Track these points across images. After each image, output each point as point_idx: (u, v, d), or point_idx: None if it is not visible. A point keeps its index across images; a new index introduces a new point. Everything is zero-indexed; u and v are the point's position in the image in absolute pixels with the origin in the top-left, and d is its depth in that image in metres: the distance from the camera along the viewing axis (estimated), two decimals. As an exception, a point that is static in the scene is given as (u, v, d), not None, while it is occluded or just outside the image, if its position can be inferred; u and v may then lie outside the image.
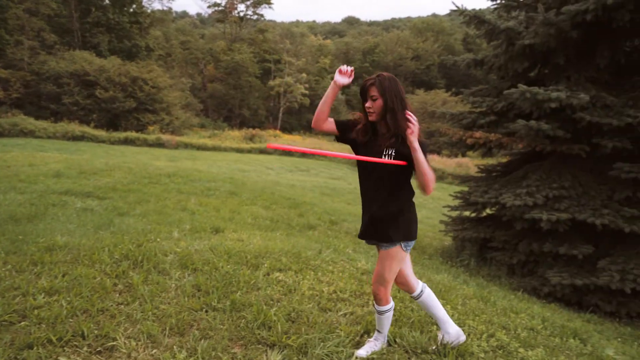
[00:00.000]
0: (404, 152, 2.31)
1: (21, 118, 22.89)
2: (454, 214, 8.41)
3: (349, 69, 2.37)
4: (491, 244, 7.34)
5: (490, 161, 11.06)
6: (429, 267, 6.44)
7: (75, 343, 2.40)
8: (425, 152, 2.30)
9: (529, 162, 7.37)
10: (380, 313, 2.59)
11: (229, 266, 3.78)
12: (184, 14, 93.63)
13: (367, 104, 2.39)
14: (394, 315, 3.02)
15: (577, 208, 6.20)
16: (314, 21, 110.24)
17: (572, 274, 5.98)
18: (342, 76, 2.37)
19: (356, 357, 2.55)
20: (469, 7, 7.56)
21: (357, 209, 10.97)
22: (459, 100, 9.84)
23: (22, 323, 2.53)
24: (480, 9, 7.95)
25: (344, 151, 2.77)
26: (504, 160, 8.78)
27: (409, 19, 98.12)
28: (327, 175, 19.71)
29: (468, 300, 4.03)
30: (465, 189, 8.10)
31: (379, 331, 2.68)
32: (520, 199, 6.34)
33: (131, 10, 38.29)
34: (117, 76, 28.15)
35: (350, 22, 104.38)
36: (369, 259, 4.99)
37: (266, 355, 2.47)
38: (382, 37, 65.29)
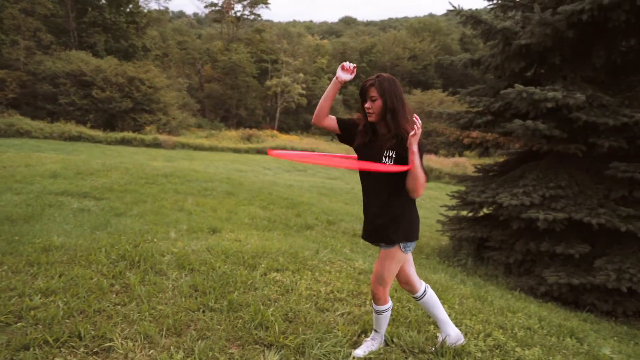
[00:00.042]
0: (404, 154, 2.30)
1: (17, 118, 22.82)
2: (451, 213, 8.43)
3: (352, 65, 2.38)
4: (488, 244, 7.35)
5: (487, 161, 11.07)
6: (426, 266, 6.45)
7: (71, 344, 2.39)
8: (421, 153, 2.31)
9: (526, 162, 7.39)
10: (379, 313, 2.59)
11: (226, 266, 3.78)
12: (181, 14, 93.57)
13: (367, 105, 2.38)
14: (391, 314, 3.03)
15: (574, 207, 6.22)
16: (311, 21, 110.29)
17: (568, 273, 6.00)
18: (345, 72, 2.38)
19: (353, 357, 2.55)
20: (466, 7, 7.58)
21: (355, 208, 10.98)
22: (455, 100, 9.85)
23: (19, 324, 2.53)
24: (476, 9, 7.96)
25: (343, 152, 2.77)
26: (501, 159, 8.80)
27: (405, 19, 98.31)
28: (325, 175, 19.71)
29: (465, 299, 4.04)
30: (462, 188, 8.12)
31: (376, 331, 2.68)
32: (517, 199, 6.36)
33: (128, 10, 38.23)
34: (113, 76, 28.11)
35: (347, 22, 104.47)
36: (366, 259, 5.00)
37: (263, 355, 2.47)
38: (379, 37, 65.41)
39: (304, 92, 45.22)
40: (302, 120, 48.94)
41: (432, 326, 3.09)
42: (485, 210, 7.74)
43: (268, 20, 67.93)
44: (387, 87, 2.32)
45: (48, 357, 2.26)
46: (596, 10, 5.68)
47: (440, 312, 2.73)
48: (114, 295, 3.03)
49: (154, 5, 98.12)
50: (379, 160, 2.37)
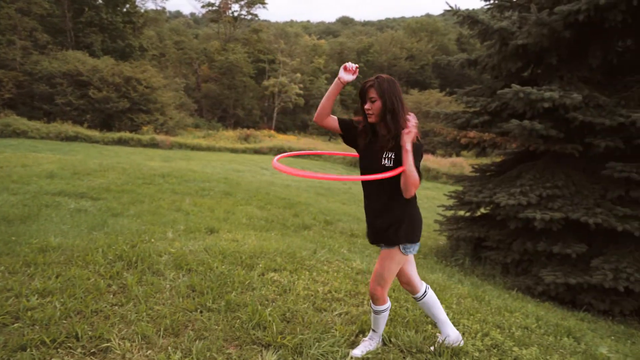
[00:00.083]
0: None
1: (14, 118, 22.75)
2: (449, 213, 8.45)
3: (354, 66, 2.38)
4: (485, 243, 7.37)
5: (484, 161, 11.10)
6: (424, 266, 6.46)
7: (69, 344, 2.38)
8: (419, 154, 2.31)
9: (523, 162, 7.42)
10: (377, 313, 2.59)
11: (223, 266, 3.77)
12: (178, 14, 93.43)
13: (366, 106, 2.38)
14: (389, 314, 3.03)
15: (571, 207, 6.24)
16: (308, 21, 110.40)
17: (565, 273, 6.02)
18: (347, 73, 2.38)
19: (351, 357, 2.55)
20: (463, 7, 7.60)
21: (352, 208, 10.99)
22: (453, 100, 9.88)
23: (15, 325, 2.52)
24: (473, 9, 7.98)
25: (343, 151, 2.77)
26: (498, 159, 8.82)
27: (402, 19, 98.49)
28: (322, 175, 19.68)
29: (462, 299, 4.04)
30: (460, 188, 8.14)
31: (374, 330, 2.68)
32: (514, 198, 6.38)
33: (124, 10, 38.16)
34: (110, 76, 28.05)
35: (345, 22, 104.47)
36: (363, 259, 5.00)
37: (261, 355, 2.47)
38: (376, 37, 65.47)
39: (301, 92, 45.20)
40: (299, 120, 48.93)
41: (430, 326, 3.09)
42: (482, 210, 7.76)
43: (265, 20, 68.01)
44: (386, 88, 2.33)
45: (45, 358, 2.25)
46: (592, 10, 5.70)
47: (440, 312, 2.74)
48: (112, 296, 3.02)
49: (151, 5, 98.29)
50: (379, 161, 2.37)
